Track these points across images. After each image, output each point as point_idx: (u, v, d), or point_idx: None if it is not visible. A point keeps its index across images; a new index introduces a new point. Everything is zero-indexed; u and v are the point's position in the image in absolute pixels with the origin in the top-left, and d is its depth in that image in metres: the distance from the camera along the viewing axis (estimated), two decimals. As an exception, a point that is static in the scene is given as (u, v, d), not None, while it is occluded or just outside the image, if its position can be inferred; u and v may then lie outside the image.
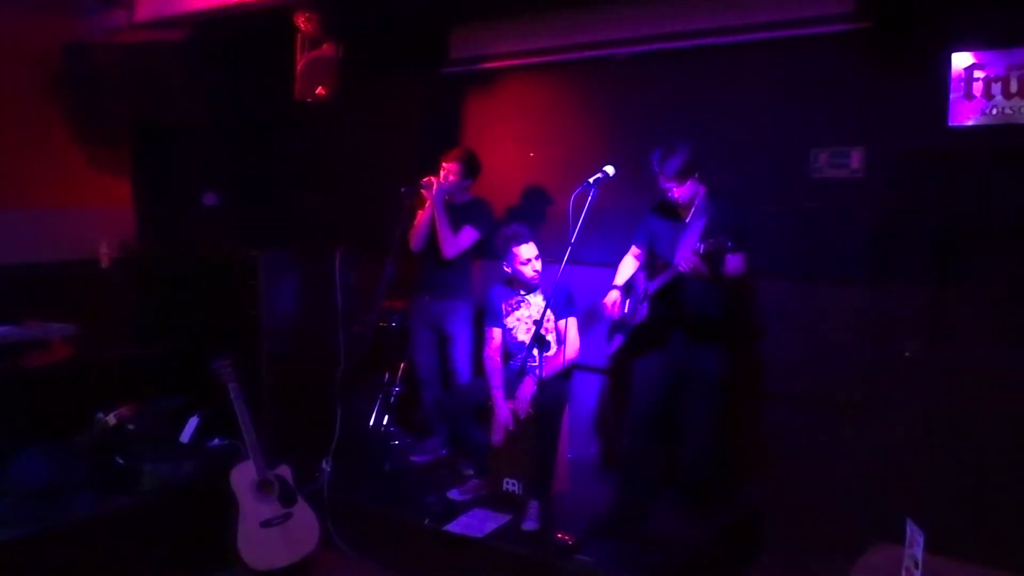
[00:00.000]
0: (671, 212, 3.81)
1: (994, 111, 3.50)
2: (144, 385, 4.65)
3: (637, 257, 4.01)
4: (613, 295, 3.93)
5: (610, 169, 3.62)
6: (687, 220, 3.73)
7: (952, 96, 3.58)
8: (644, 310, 3.79)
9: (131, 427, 4.34)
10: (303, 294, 4.58)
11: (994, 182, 3.55)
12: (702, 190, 3.72)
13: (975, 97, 3.53)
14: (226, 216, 5.83)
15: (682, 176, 3.59)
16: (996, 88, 3.49)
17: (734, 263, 3.57)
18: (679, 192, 3.64)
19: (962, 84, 3.56)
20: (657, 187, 3.69)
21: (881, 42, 3.76)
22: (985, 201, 3.58)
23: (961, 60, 3.57)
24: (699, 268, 3.45)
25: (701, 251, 3.39)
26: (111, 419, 4.36)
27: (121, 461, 4.04)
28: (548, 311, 3.87)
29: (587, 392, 4.67)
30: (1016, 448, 3.48)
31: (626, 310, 3.89)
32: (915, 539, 2.48)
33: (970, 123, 3.55)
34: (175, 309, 4.85)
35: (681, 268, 3.49)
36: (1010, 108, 3.47)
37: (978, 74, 3.53)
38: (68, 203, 5.15)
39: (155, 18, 4.76)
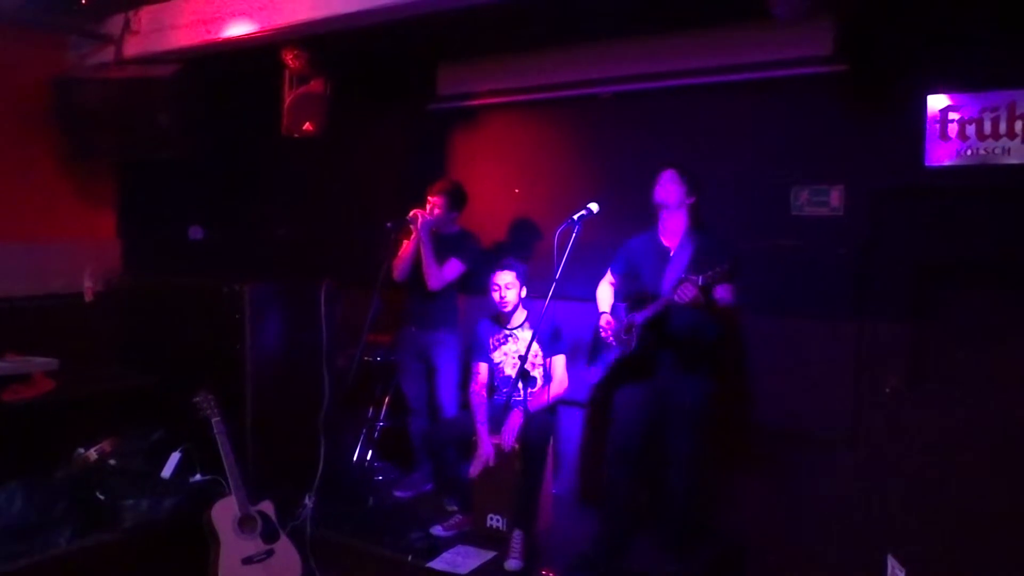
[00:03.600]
0: (655, 243, 3.83)
1: (969, 152, 3.58)
2: (126, 419, 4.60)
3: (613, 284, 4.00)
4: (606, 318, 3.88)
5: (594, 206, 3.67)
6: (672, 251, 3.75)
7: (928, 137, 3.67)
8: (634, 341, 3.72)
9: (112, 462, 4.30)
10: (288, 328, 4.57)
11: (970, 221, 3.62)
12: (687, 222, 3.76)
13: (951, 138, 3.61)
14: (212, 249, 5.84)
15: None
16: (971, 130, 3.58)
17: (723, 293, 3.54)
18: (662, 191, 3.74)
19: (937, 125, 3.65)
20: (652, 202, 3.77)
21: (859, 84, 3.85)
22: (962, 239, 3.65)
23: (936, 102, 3.66)
24: (698, 299, 3.39)
25: (700, 283, 3.34)
26: (92, 454, 4.32)
27: (101, 497, 3.98)
28: (535, 345, 3.88)
29: (571, 426, 4.67)
30: (997, 483, 3.50)
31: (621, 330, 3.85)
32: (896, 574, 2.49)
33: (946, 163, 3.64)
34: (159, 342, 4.82)
35: (679, 300, 3.41)
36: (984, 149, 3.55)
37: (953, 116, 3.62)
38: (52, 236, 5.13)
39: (144, 54, 4.79)
